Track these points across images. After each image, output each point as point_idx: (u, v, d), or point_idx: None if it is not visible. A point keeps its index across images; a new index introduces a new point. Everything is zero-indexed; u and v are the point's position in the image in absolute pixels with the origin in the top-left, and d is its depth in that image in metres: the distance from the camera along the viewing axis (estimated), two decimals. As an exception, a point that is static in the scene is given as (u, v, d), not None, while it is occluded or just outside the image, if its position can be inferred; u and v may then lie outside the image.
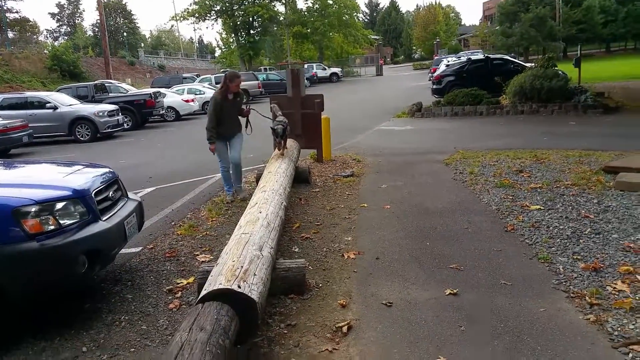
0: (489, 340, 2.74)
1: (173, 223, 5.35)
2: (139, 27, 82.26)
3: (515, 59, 22.74)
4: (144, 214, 3.93)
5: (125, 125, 16.11)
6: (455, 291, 3.33)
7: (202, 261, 3.98)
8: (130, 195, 3.90)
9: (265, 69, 40.94)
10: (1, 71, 40.51)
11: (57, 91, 17.89)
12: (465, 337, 2.79)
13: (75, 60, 44.84)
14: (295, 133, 7.72)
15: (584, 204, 5.03)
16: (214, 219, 5.35)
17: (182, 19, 44.75)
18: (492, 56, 19.35)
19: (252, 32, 45.37)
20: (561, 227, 4.45)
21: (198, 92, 22.19)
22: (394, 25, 79.91)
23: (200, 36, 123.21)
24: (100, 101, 16.92)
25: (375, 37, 61.26)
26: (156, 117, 18.71)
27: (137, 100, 17.30)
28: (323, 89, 29.57)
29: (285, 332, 2.90)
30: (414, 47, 75.38)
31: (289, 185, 5.08)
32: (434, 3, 69.49)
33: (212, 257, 4.08)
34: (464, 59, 20.62)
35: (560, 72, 13.77)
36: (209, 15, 44.38)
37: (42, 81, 41.72)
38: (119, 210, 3.47)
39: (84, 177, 3.39)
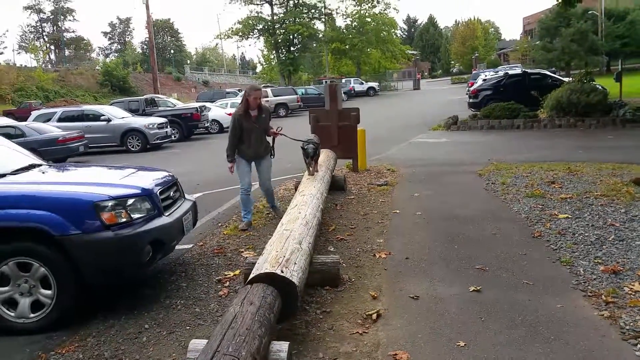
0: (507, 330, 3.01)
1: (220, 224, 5.83)
2: (184, 44, 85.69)
3: (554, 73, 22.54)
4: (197, 213, 4.42)
5: (173, 137, 16.99)
6: (478, 288, 3.60)
7: (247, 257, 4.39)
8: (186, 196, 4.40)
9: (303, 84, 41.83)
10: (58, 86, 43.22)
11: (111, 105, 19.09)
12: (484, 326, 3.06)
13: (125, 76, 47.27)
14: (332, 144, 8.14)
15: (611, 214, 5.17)
16: (255, 222, 5.79)
17: (226, 37, 46.44)
18: (529, 71, 19.27)
19: (292, 49, 46.49)
20: (586, 234, 4.63)
21: (239, 106, 23.06)
22: (432, 41, 79.91)
23: (242, 53, 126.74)
24: (150, 114, 17.93)
25: (413, 52, 61.43)
26: (201, 129, 19.59)
27: (185, 113, 18.22)
28: (360, 102, 30.02)
29: (321, 317, 3.27)
30: (452, 62, 75.04)
31: (325, 190, 5.47)
32: (472, 19, 69.22)
33: (255, 254, 4.49)
34: (501, 73, 20.62)
35: (598, 87, 13.68)
36: (251, 33, 45.89)
37: (94, 95, 44.18)
38: (178, 208, 3.97)
39: (150, 179, 3.92)
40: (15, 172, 3.81)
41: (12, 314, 3.26)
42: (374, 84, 42.77)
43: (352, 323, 3.16)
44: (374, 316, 3.21)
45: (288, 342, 2.52)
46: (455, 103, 23.88)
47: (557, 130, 12.99)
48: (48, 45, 65.57)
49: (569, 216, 5.22)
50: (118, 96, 40.92)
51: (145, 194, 3.57)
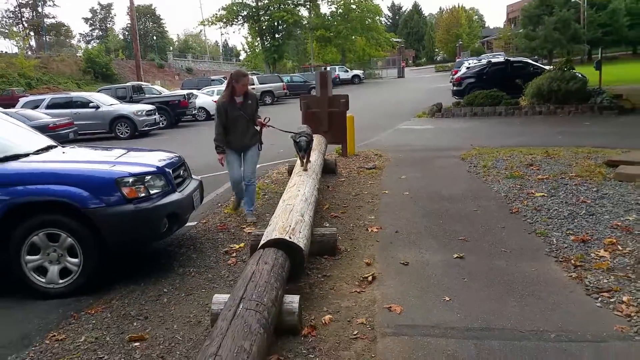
0: (486, 288, 3.42)
1: (219, 204, 6.15)
2: (167, 31, 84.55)
3: (537, 62, 23.09)
4: (204, 191, 4.75)
5: (160, 124, 17.13)
6: (461, 255, 4.01)
7: (249, 232, 4.74)
8: (193, 176, 4.73)
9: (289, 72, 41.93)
10: (40, 73, 42.50)
11: (98, 92, 19.08)
12: (466, 286, 3.47)
13: (107, 63, 46.61)
14: (322, 130, 8.49)
15: (584, 192, 5.63)
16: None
17: (210, 23, 46.11)
18: (512, 59, 19.76)
19: (276, 36, 46.41)
20: (560, 209, 5.07)
21: (226, 94, 23.17)
22: (416, 28, 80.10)
23: (225, 40, 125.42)
24: (137, 101, 18.00)
25: (397, 40, 61.63)
26: (188, 116, 19.73)
27: (172, 100, 18.35)
28: (345, 90, 30.13)
29: (322, 280, 3.64)
30: (436, 50, 75.49)
31: (319, 171, 5.83)
32: (457, 6, 69.62)
33: (256, 229, 4.84)
34: (484, 61, 21.08)
35: (578, 75, 14.20)
36: (236, 20, 45.61)
37: (77, 82, 43.54)
38: (187, 185, 4.30)
39: (163, 158, 4.26)
40: (37, 152, 4.09)
41: (43, 280, 3.58)
42: (359, 72, 43.00)
43: (350, 284, 3.55)
44: (370, 278, 3.60)
45: (299, 295, 2.89)
46: (439, 91, 24.33)
47: (537, 117, 13.50)
48: (28, 31, 64.13)
49: (545, 194, 5.66)
50: (101, 83, 40.45)
51: (160, 172, 3.90)
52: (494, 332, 2.83)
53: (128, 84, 22.34)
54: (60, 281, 3.58)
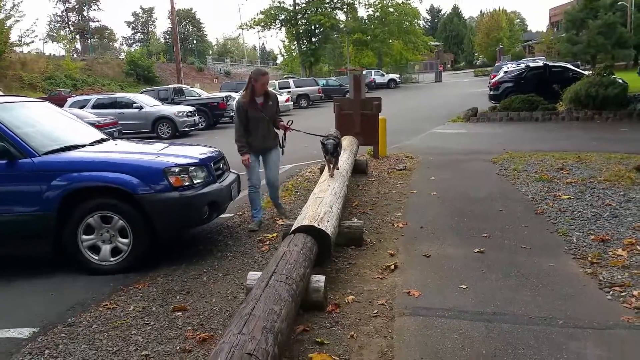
0: (502, 279, 3.61)
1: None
2: (206, 34, 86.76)
3: (578, 67, 22.62)
4: (241, 184, 5.12)
5: (200, 125, 17.81)
6: (482, 250, 4.20)
7: (281, 224, 5.06)
8: (231, 170, 5.12)
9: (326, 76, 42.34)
10: (85, 75, 44.50)
11: (141, 93, 19.98)
12: (484, 276, 3.67)
13: (149, 66, 48.33)
14: (355, 131, 8.76)
15: (610, 195, 5.69)
16: (287, 197, 6.46)
17: (248, 27, 47.07)
18: (550, 64, 19.50)
19: (313, 39, 46.96)
20: (584, 211, 5.17)
21: (263, 96, 23.77)
22: (455, 32, 79.19)
23: (262, 43, 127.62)
24: (178, 103, 18.76)
25: (436, 43, 61.24)
26: (226, 118, 20.38)
27: (211, 102, 19.03)
28: (381, 94, 30.28)
29: (348, 267, 3.92)
30: (476, 54, 74.44)
31: (350, 170, 6.10)
32: (497, 9, 68.47)
33: (288, 221, 5.17)
34: (522, 66, 20.83)
35: (619, 80, 13.92)
36: (273, 24, 46.45)
37: (120, 84, 45.33)
38: (226, 178, 4.69)
39: (205, 152, 4.68)
40: (92, 144, 4.55)
41: (96, 258, 4.02)
42: (395, 76, 43.01)
43: (373, 272, 3.81)
44: (392, 267, 3.85)
45: (325, 276, 3.18)
46: (476, 95, 24.15)
47: (574, 123, 13.33)
48: (74, 34, 67.21)
49: (571, 197, 5.74)
50: (143, 85, 42.06)
51: (202, 164, 4.30)
52: (504, 316, 3.03)
53: (170, 86, 23.24)
54: (112, 259, 4.01)
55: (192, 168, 4.13)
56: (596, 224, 4.75)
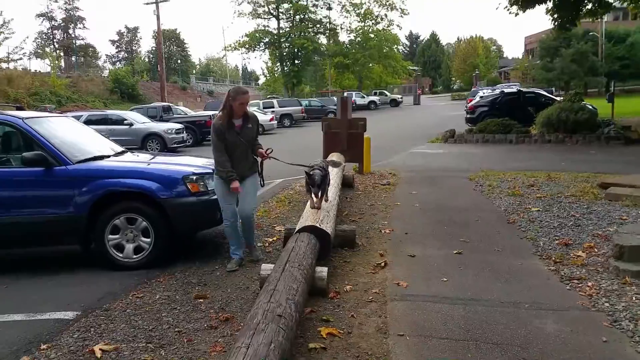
0: (478, 273, 4.19)
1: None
2: (190, 54, 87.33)
3: (551, 93, 23.87)
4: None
5: (187, 142, 18.23)
6: (460, 251, 4.78)
7: (279, 230, 5.57)
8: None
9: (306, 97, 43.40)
10: (69, 92, 44.43)
11: (131, 110, 20.36)
12: (461, 272, 4.24)
13: (133, 84, 48.55)
14: (342, 149, 9.37)
15: (575, 208, 6.37)
16: (280, 208, 6.98)
17: (233, 49, 48.08)
18: (524, 89, 20.62)
19: (296, 61, 48.09)
20: (551, 221, 5.81)
21: (249, 116, 24.34)
22: (433, 57, 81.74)
23: (244, 64, 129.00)
24: (166, 120, 19.19)
25: (414, 68, 63.14)
26: (213, 136, 20.86)
27: (199, 120, 19.52)
28: (362, 115, 31.38)
29: (343, 264, 4.45)
30: (453, 78, 76.76)
31: (340, 182, 6.66)
32: (474, 36, 71.03)
33: (289, 225, 5.67)
34: (497, 91, 21.93)
35: (589, 106, 14.93)
36: (258, 46, 47.55)
37: (104, 102, 45.24)
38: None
39: (214, 163, 5.20)
40: (116, 155, 5.04)
41: (121, 255, 4.49)
42: (375, 98, 44.25)
43: (366, 268, 4.35)
44: (382, 264, 4.39)
45: (327, 267, 3.70)
46: (453, 118, 25.15)
47: (546, 145, 14.20)
48: (58, 51, 67.13)
49: (540, 209, 6.40)
50: (127, 103, 42.22)
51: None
52: (479, 301, 3.59)
53: (158, 104, 23.68)
54: (134, 256, 4.48)
55: (207, 176, 4.66)
56: (561, 232, 5.39)
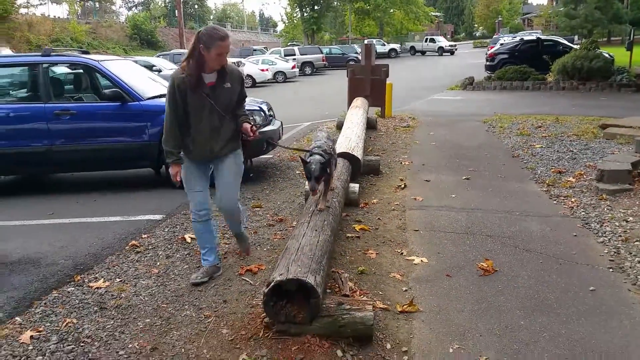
0: (481, 191, 5.08)
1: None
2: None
3: (572, 42, 23.73)
4: (283, 128, 6.50)
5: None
6: (468, 177, 5.66)
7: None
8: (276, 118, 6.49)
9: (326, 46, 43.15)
10: (90, 38, 44.89)
11: (157, 57, 21.06)
12: (467, 191, 5.13)
13: (152, 30, 48.69)
14: (365, 94, 10.11)
15: (575, 145, 7.13)
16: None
17: (251, -7, 47.36)
18: (543, 37, 20.63)
19: (316, 7, 47.41)
20: (551, 155, 6.62)
21: (271, 63, 24.83)
22: (456, 3, 79.15)
23: (261, 10, 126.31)
24: (193, 67, 19.87)
25: (436, 14, 61.63)
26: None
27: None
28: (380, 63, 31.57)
29: (370, 186, 5.37)
30: (476, 25, 74.68)
31: (365, 122, 7.49)
32: (499, -20, 68.36)
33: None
34: (517, 39, 21.95)
35: (604, 54, 15.17)
36: (277, -10, 46.79)
37: (124, 48, 45.75)
38: (275, 122, 6.07)
39: (259, 102, 6.02)
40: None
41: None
42: (396, 46, 43.86)
43: (389, 189, 5.27)
44: (402, 186, 5.31)
45: (358, 184, 4.62)
46: (474, 66, 25.29)
47: (560, 92, 14.66)
48: (77, -4, 66.86)
49: (543, 146, 7.18)
50: (146, 50, 42.68)
51: (261, 110, 5.68)
52: (480, 210, 4.51)
53: (182, 50, 24.23)
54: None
55: (255, 112, 5.52)
56: (558, 163, 6.21)
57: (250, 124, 3.24)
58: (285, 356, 2.35)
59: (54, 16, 48.30)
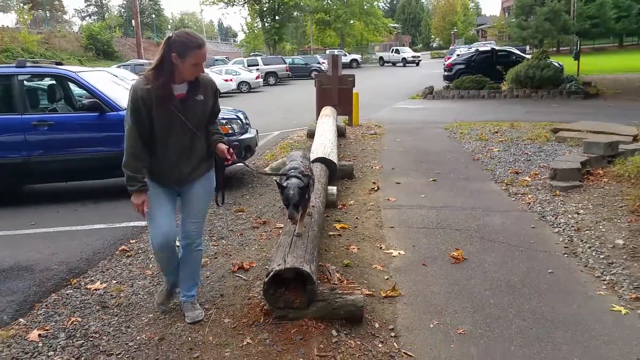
0: (447, 192, 5.49)
1: (259, 153, 8.18)
2: (163, 9, 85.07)
3: (524, 52, 25.07)
4: (259, 136, 6.74)
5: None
6: (435, 179, 6.08)
7: (289, 167, 6.75)
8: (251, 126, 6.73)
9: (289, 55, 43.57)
10: (42, 49, 43.33)
11: (118, 67, 20.81)
12: (435, 191, 5.53)
13: (109, 40, 47.46)
14: (333, 103, 10.48)
15: (529, 148, 7.71)
16: (285, 153, 8.14)
17: (211, 3, 47.36)
18: (497, 48, 21.73)
19: (277, 17, 47.86)
20: (508, 157, 7.15)
21: (234, 73, 24.95)
22: (413, 14, 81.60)
23: (219, 20, 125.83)
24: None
25: (395, 25, 63.33)
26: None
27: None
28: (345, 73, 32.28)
29: (345, 189, 5.69)
30: (432, 36, 77.22)
31: (335, 130, 7.83)
32: (453, -7, 71.07)
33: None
34: (473, 49, 23.02)
35: (554, 63, 16.19)
36: (237, 0, 46.97)
37: (79, 59, 44.43)
38: (251, 130, 6.31)
39: (237, 110, 6.25)
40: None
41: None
42: (357, 56, 44.82)
43: (363, 191, 5.61)
44: (375, 188, 5.66)
45: (335, 187, 4.93)
46: (432, 76, 26.29)
47: (514, 100, 15.54)
48: (22, 5, 64.66)
49: (500, 150, 7.72)
50: (102, 61, 41.77)
51: (237, 118, 5.92)
52: (448, 207, 4.90)
53: (143, 60, 24.03)
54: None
55: (233, 121, 5.76)
56: (514, 165, 6.72)
57: (227, 145, 2.77)
58: (286, 337, 2.61)
59: (2, 25, 46.54)
